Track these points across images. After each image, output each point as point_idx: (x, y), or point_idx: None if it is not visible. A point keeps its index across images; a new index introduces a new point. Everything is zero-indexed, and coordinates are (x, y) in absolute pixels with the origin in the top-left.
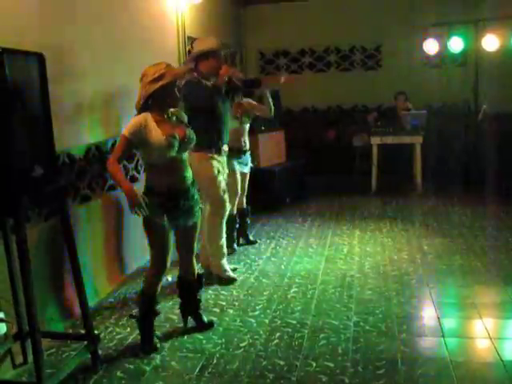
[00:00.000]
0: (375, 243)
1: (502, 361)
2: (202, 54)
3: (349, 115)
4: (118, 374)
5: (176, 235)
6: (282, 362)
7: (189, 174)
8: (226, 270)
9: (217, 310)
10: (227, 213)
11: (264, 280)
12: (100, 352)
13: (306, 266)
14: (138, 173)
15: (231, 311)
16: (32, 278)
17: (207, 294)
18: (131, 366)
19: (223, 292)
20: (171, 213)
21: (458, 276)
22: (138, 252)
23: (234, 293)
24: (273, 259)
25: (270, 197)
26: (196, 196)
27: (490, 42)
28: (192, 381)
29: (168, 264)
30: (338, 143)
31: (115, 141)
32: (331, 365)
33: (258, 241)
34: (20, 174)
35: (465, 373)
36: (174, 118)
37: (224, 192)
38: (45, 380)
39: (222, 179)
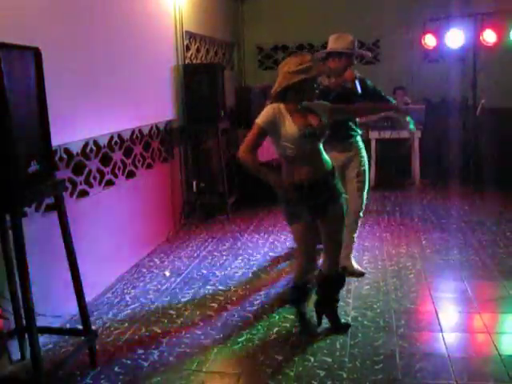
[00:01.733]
0: (373, 238)
1: (499, 355)
2: (335, 52)
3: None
4: (116, 369)
5: (320, 228)
6: (280, 357)
7: (326, 164)
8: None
9: (215, 305)
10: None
11: (262, 275)
12: (98, 347)
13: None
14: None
15: (229, 306)
16: (29, 273)
17: (205, 290)
18: (129, 362)
19: (221, 287)
20: (310, 205)
21: (456, 270)
22: (136, 247)
23: (232, 288)
24: (271, 254)
25: (269, 191)
26: (337, 186)
27: (489, 37)
28: (190, 376)
29: (310, 257)
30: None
31: (112, 136)
32: (329, 360)
33: (257, 236)
34: (16, 169)
35: (463, 367)
36: (307, 110)
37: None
38: (42, 376)
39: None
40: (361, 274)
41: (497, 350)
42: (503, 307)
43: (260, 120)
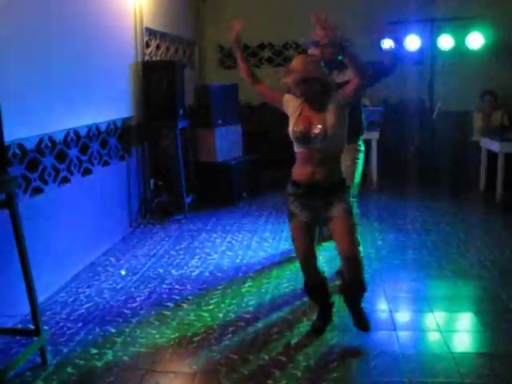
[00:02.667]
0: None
1: (451, 353)
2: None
3: None
4: (69, 369)
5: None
6: (235, 356)
7: (331, 173)
8: None
9: (171, 304)
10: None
11: (219, 274)
12: (50, 348)
13: (260, 260)
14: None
15: (185, 305)
16: None
17: (161, 289)
18: (82, 362)
19: (177, 286)
20: (305, 205)
21: (411, 270)
22: (92, 246)
23: (188, 287)
24: (228, 253)
25: (227, 191)
26: (339, 189)
27: (445, 42)
28: (144, 376)
29: (306, 255)
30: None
31: (68, 132)
32: (284, 359)
33: (215, 235)
34: None
35: (415, 365)
36: (320, 105)
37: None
38: None
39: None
40: None
41: (448, 347)
42: (455, 306)
43: (286, 94)
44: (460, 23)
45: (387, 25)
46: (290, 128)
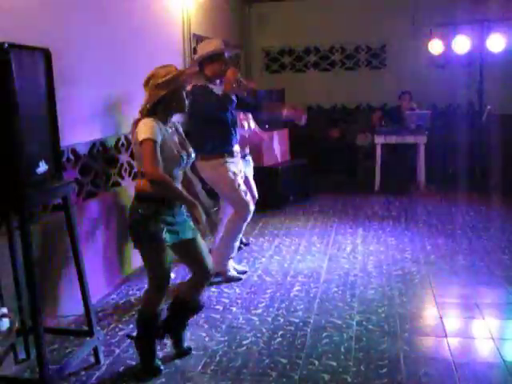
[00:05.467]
0: (378, 242)
1: (504, 361)
2: (207, 58)
3: (353, 114)
4: (121, 370)
5: (181, 252)
6: (284, 360)
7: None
8: (229, 270)
9: (220, 307)
10: (251, 215)
11: (267, 278)
12: (102, 348)
13: (308, 264)
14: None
15: (234, 309)
16: (35, 273)
17: (210, 292)
18: (133, 363)
19: (226, 290)
20: (170, 226)
21: (461, 276)
22: None
23: (237, 291)
24: (276, 257)
25: (274, 195)
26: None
27: (496, 43)
28: (195, 378)
29: (168, 278)
30: (342, 142)
31: (119, 138)
32: (334, 363)
33: (262, 239)
34: (25, 170)
35: (467, 373)
36: (174, 130)
37: (245, 193)
38: (47, 376)
39: (241, 181)
40: (238, 279)
41: (501, 356)
42: (508, 313)
43: (151, 135)
44: (511, 23)
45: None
46: (171, 153)
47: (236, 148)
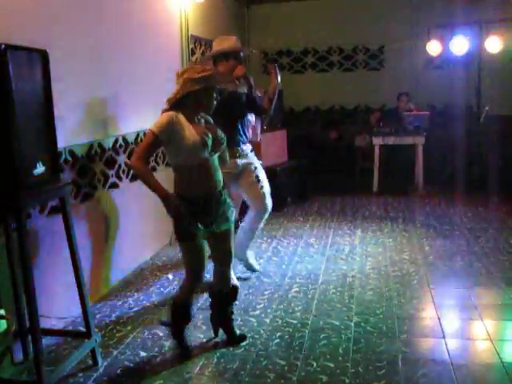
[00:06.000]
0: (376, 243)
1: (502, 363)
2: (222, 54)
3: (351, 115)
4: (118, 372)
5: (210, 243)
6: (282, 362)
7: (220, 177)
8: (249, 258)
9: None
10: (267, 214)
11: (265, 279)
12: (100, 350)
13: (307, 265)
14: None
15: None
16: (33, 274)
17: (208, 293)
18: (131, 365)
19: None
20: (203, 219)
21: (459, 277)
22: (139, 250)
23: None
24: (274, 259)
25: (272, 196)
26: (228, 200)
27: (493, 44)
28: (192, 379)
29: (202, 275)
30: (340, 143)
31: (117, 139)
32: (332, 365)
33: (260, 240)
34: (22, 171)
35: (465, 374)
36: (203, 121)
37: (261, 188)
38: (45, 378)
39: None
40: (254, 270)
41: (499, 357)
42: (506, 314)
43: (156, 129)
44: (508, 25)
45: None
46: (192, 139)
47: (245, 147)
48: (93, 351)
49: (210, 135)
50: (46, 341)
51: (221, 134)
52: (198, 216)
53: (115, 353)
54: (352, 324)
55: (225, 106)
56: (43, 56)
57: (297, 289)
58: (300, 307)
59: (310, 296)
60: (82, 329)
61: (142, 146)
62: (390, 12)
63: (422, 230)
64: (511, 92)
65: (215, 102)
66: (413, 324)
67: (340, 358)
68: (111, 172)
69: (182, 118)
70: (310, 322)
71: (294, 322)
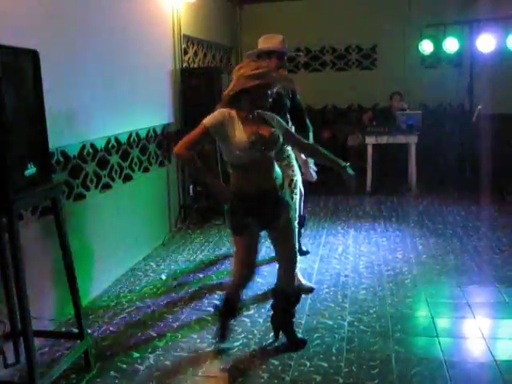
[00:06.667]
0: (370, 243)
1: (495, 361)
2: (265, 53)
3: (344, 115)
4: (112, 373)
5: (271, 242)
6: (276, 362)
7: (277, 174)
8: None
9: (211, 309)
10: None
11: (259, 279)
12: (93, 351)
13: (300, 265)
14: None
15: None
16: (25, 276)
17: (202, 294)
18: (124, 366)
19: (218, 291)
20: (259, 217)
21: (452, 276)
22: (132, 251)
23: None
24: (267, 258)
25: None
26: (287, 198)
27: (485, 43)
28: (186, 380)
29: (253, 270)
30: (332, 143)
31: (109, 139)
32: (325, 364)
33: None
34: (13, 171)
35: (458, 372)
36: (260, 119)
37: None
38: (37, 380)
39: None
40: (309, 290)
41: (492, 355)
42: (498, 313)
43: (207, 121)
44: (500, 24)
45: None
46: (241, 138)
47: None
48: (86, 353)
49: (259, 136)
50: (39, 342)
51: (275, 134)
52: (251, 213)
53: (108, 354)
54: (345, 323)
55: None
56: (34, 56)
57: None
58: None
59: (303, 295)
60: (75, 330)
61: (190, 135)
62: (383, 11)
63: (415, 229)
64: (503, 91)
65: (271, 100)
66: (406, 323)
67: (333, 358)
68: (104, 172)
69: (235, 115)
70: (303, 322)
71: None
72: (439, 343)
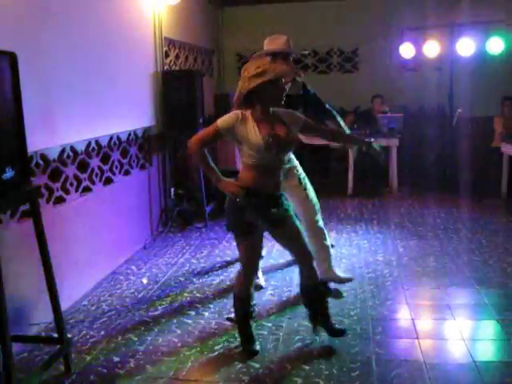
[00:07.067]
0: (351, 245)
1: (474, 362)
2: (270, 54)
3: None
4: (92, 377)
5: (281, 244)
6: (256, 365)
7: (279, 179)
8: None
9: (192, 312)
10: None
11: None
12: (73, 356)
13: (282, 268)
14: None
15: (206, 314)
16: (2, 280)
17: (183, 297)
18: (105, 370)
19: (198, 295)
20: (264, 217)
21: (433, 278)
22: (113, 255)
23: (210, 296)
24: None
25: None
26: (286, 202)
27: (465, 47)
28: None
29: (257, 267)
30: (314, 145)
31: (90, 142)
32: (306, 367)
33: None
34: None
35: (438, 374)
36: (276, 117)
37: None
38: None
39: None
40: (349, 280)
41: (471, 356)
42: (479, 314)
43: (220, 122)
44: (480, 28)
45: None
46: (256, 139)
47: None
48: (65, 357)
49: (274, 137)
50: (17, 347)
51: (290, 135)
52: (258, 209)
53: (88, 358)
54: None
55: None
56: (12, 59)
57: (271, 291)
58: (274, 309)
59: (284, 298)
60: (55, 335)
61: (203, 133)
62: (364, 15)
63: (396, 232)
64: (483, 94)
65: (283, 96)
66: (387, 325)
67: (314, 360)
68: (84, 176)
69: (249, 117)
70: (284, 325)
71: (269, 324)
72: (419, 345)
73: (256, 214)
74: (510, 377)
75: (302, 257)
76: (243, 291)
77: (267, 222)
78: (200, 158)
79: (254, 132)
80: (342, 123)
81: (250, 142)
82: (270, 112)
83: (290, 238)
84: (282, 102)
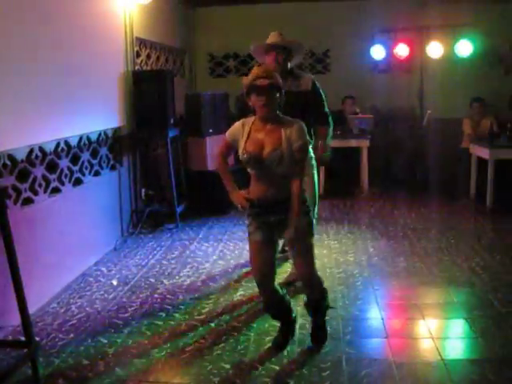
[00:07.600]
0: (322, 246)
1: (442, 360)
2: (265, 51)
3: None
4: (60, 381)
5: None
6: (227, 366)
7: (283, 188)
8: None
9: (162, 314)
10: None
11: (211, 283)
12: (41, 359)
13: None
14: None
15: (177, 315)
16: None
17: (153, 299)
18: (74, 373)
19: (169, 296)
20: (263, 224)
21: (403, 277)
22: (83, 256)
23: (180, 297)
24: (220, 262)
25: (218, 199)
26: (302, 208)
27: (435, 50)
28: None
29: (262, 274)
30: None
31: (59, 142)
32: (277, 367)
33: (206, 244)
34: None
35: (407, 373)
36: (278, 125)
37: None
38: None
39: None
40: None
41: (440, 355)
42: (447, 313)
43: (227, 133)
44: (449, 31)
45: None
46: (240, 150)
47: None
48: (33, 361)
49: (250, 154)
50: None
51: (278, 150)
52: (255, 217)
53: (57, 362)
54: (297, 326)
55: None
56: None
57: (242, 292)
58: (245, 310)
59: (255, 299)
60: (22, 338)
61: (220, 148)
62: (336, 16)
63: (366, 232)
64: (452, 96)
65: (279, 103)
66: (357, 325)
67: (285, 361)
68: (53, 176)
69: (249, 125)
70: (255, 326)
71: (240, 325)
72: (389, 344)
73: (252, 222)
74: (477, 374)
75: (299, 272)
76: (263, 295)
77: (262, 229)
78: (221, 170)
79: (242, 145)
80: (329, 136)
81: (240, 152)
82: (267, 119)
83: (298, 252)
84: (278, 109)
